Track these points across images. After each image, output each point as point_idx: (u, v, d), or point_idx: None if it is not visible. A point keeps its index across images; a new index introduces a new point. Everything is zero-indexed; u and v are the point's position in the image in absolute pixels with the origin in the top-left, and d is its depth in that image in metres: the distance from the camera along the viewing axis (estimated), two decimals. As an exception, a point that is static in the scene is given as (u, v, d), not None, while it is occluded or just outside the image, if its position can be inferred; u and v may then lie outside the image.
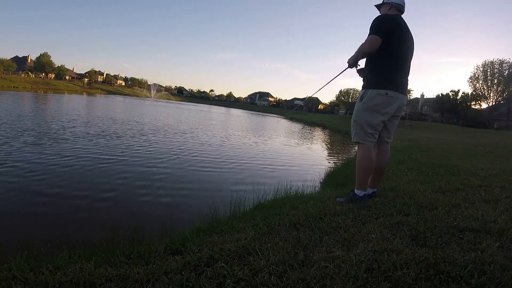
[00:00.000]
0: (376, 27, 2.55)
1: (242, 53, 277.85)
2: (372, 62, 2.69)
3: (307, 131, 24.67)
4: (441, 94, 50.95)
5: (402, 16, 2.77)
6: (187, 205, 4.55)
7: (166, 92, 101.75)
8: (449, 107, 48.34)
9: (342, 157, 11.18)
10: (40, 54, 66.08)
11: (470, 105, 48.12)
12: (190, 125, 17.12)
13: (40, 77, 64.48)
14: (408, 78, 2.79)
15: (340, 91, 66.40)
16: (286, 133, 19.65)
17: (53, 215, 3.79)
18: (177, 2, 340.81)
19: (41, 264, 1.70)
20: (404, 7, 2.74)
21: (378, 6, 2.84)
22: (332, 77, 3.24)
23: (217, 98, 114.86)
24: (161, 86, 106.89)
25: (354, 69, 2.85)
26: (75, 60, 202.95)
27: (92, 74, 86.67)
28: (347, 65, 2.84)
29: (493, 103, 44.84)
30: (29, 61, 75.02)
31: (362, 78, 2.80)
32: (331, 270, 1.47)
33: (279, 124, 28.47)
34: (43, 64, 64.46)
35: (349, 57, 2.79)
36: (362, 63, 2.81)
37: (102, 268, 1.61)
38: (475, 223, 2.03)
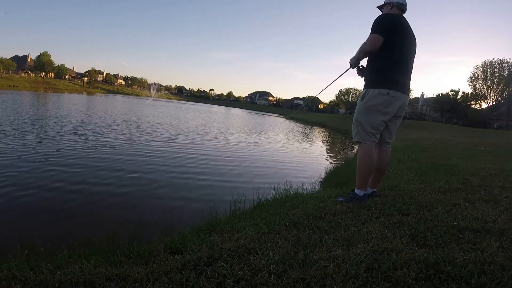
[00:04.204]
0: (378, 26, 2.55)
1: (242, 52, 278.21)
2: (374, 62, 2.68)
3: (308, 130, 24.66)
4: (441, 93, 50.93)
5: (404, 15, 2.76)
6: (187, 204, 4.54)
7: (166, 92, 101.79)
8: (449, 106, 48.29)
9: (342, 156, 11.18)
10: (40, 53, 66.11)
11: (470, 105, 48.08)
12: (190, 126, 17.12)
13: (40, 76, 64.52)
14: (410, 77, 2.78)
15: (340, 91, 66.39)
16: (287, 133, 19.62)
17: (53, 214, 3.79)
18: (177, 2, 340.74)
19: (41, 263, 1.70)
20: (405, 6, 2.74)
21: (380, 7, 2.84)
22: (335, 78, 3.25)
23: (217, 97, 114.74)
24: (161, 85, 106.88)
25: (355, 69, 2.85)
26: (75, 59, 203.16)
27: (92, 73, 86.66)
28: (349, 65, 2.84)
29: (493, 103, 44.81)
30: (29, 60, 74.95)
31: (363, 78, 2.79)
32: (331, 269, 1.47)
33: (279, 123, 28.44)
34: (43, 63, 64.40)
35: (351, 57, 2.79)
36: (364, 63, 2.81)
37: (102, 268, 1.60)
38: (475, 223, 2.02)
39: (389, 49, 2.55)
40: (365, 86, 2.71)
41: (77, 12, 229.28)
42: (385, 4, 2.78)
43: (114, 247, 1.99)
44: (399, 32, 2.58)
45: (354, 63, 2.77)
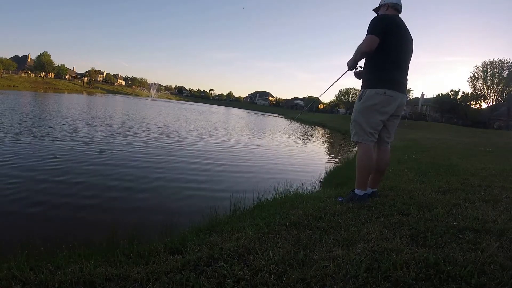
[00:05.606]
0: (374, 26, 2.56)
1: (242, 52, 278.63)
2: (371, 62, 2.70)
3: (308, 131, 24.66)
4: (441, 94, 50.93)
5: (400, 15, 2.78)
6: (187, 205, 4.54)
7: (166, 92, 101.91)
8: (449, 107, 48.29)
9: (342, 156, 11.17)
10: (40, 53, 66.09)
11: (470, 105, 48.05)
12: (190, 126, 17.13)
13: (40, 76, 64.53)
14: (408, 77, 2.79)
15: (340, 91, 66.37)
16: (287, 133, 19.63)
17: (53, 215, 3.79)
18: (176, 2, 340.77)
19: (41, 263, 1.70)
20: (401, 6, 2.76)
21: (376, 10, 2.87)
22: (335, 80, 3.28)
23: (217, 97, 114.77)
24: (161, 85, 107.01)
25: (352, 71, 2.88)
26: (75, 59, 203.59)
27: (92, 73, 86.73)
28: (347, 67, 2.86)
29: (493, 103, 44.78)
30: (29, 60, 74.96)
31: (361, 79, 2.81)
32: (331, 269, 1.47)
33: (279, 124, 28.43)
34: (43, 63, 64.39)
35: (348, 59, 2.81)
36: (362, 65, 2.82)
37: (102, 268, 1.60)
38: (475, 223, 2.02)
39: (385, 49, 2.56)
40: (362, 87, 2.74)
41: (77, 12, 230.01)
42: (380, 6, 2.82)
43: (114, 247, 1.99)
44: (395, 33, 2.59)
45: (352, 64, 2.80)
